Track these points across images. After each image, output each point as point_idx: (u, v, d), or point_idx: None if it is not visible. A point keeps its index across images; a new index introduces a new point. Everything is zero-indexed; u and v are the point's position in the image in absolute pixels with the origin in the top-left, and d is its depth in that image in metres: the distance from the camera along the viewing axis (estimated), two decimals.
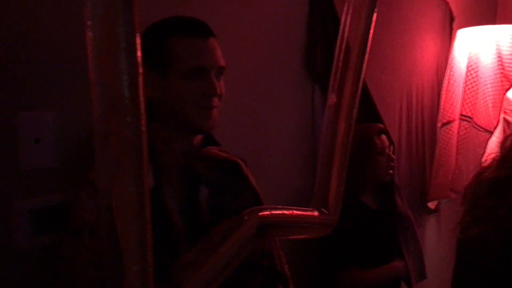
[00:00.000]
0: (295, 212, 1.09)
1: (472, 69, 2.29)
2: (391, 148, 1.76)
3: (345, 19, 1.09)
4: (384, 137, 1.73)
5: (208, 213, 0.93)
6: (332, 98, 1.17)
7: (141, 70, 0.63)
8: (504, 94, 2.23)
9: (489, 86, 2.26)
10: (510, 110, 2.46)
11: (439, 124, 2.45)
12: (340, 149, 1.19)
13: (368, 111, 1.83)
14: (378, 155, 1.68)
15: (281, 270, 0.96)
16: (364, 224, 1.66)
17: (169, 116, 0.96)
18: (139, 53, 0.62)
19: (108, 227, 0.65)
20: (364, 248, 1.64)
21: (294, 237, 1.15)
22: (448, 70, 2.37)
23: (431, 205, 2.57)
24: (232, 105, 1.34)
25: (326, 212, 1.18)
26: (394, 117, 2.18)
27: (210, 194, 0.94)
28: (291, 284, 1.02)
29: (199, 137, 0.99)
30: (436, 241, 2.77)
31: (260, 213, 0.94)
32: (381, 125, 1.76)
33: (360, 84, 1.19)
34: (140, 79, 0.63)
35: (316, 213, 1.17)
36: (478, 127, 2.32)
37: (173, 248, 0.86)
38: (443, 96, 2.39)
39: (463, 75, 2.32)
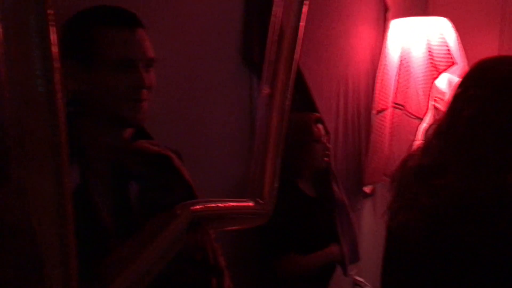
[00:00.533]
0: (230, 204, 1.09)
1: (404, 59, 2.39)
2: (327, 137, 1.81)
3: (276, 10, 1.09)
4: (320, 126, 1.78)
5: (139, 209, 0.91)
6: (265, 90, 1.18)
7: (57, 65, 0.60)
8: (433, 83, 2.35)
9: (419, 75, 2.37)
10: (438, 97, 2.60)
11: (373, 112, 2.54)
12: (274, 139, 1.20)
13: (305, 100, 1.86)
14: (314, 143, 1.73)
15: (215, 263, 0.97)
16: (302, 211, 1.70)
17: (97, 109, 0.93)
18: (54, 48, 0.59)
19: (27, 228, 0.63)
20: (302, 234, 1.68)
21: (230, 228, 1.16)
22: (382, 60, 2.45)
23: (367, 189, 2.68)
24: (167, 97, 1.32)
25: (261, 202, 1.20)
26: (331, 105, 2.23)
27: (141, 189, 0.93)
28: (227, 276, 1.03)
29: (129, 130, 0.97)
30: (372, 223, 2.90)
31: (193, 207, 0.94)
32: (318, 114, 1.81)
33: (293, 75, 1.21)
34: (57, 75, 0.60)
35: (251, 204, 1.18)
36: (409, 115, 2.43)
37: (102, 245, 0.84)
38: (377, 85, 2.47)
39: (396, 65, 2.41)
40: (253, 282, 1.75)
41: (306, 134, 1.72)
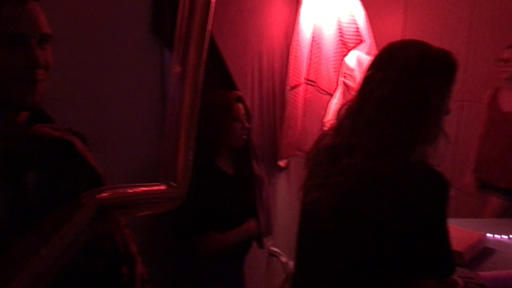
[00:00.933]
0: (141, 189, 1.05)
1: (316, 35, 2.43)
2: (247, 116, 1.80)
3: None
4: (241, 105, 1.76)
5: (38, 200, 0.84)
6: (176, 68, 1.13)
7: None
8: (342, 60, 2.43)
9: (330, 52, 2.43)
10: (348, 74, 2.70)
11: (287, 88, 2.58)
12: (186, 120, 1.17)
13: (224, 78, 1.83)
14: (234, 122, 1.71)
15: (125, 252, 0.92)
16: (220, 189, 1.69)
17: None
18: None
19: None
20: (221, 212, 1.68)
21: (142, 214, 1.11)
22: (295, 36, 2.48)
23: (282, 163, 2.74)
24: (70, 75, 1.22)
25: (174, 185, 1.17)
26: (247, 81, 2.22)
27: (39, 178, 0.85)
28: (139, 263, 0.99)
29: (24, 114, 0.88)
30: (286, 195, 2.99)
31: (99, 195, 0.88)
32: (239, 93, 1.79)
33: (205, 53, 1.17)
34: None
35: (164, 187, 1.14)
36: (321, 91, 2.50)
37: None
38: (291, 61, 2.51)
39: (309, 42, 2.45)
40: (169, 264, 1.73)
41: (227, 112, 1.69)
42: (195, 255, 1.68)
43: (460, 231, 2.06)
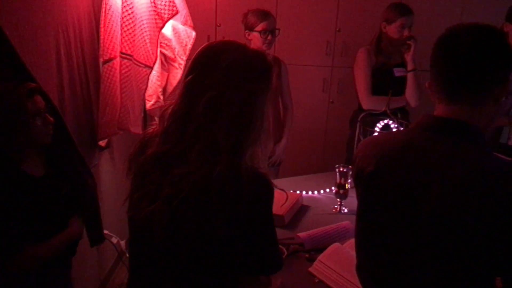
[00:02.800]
0: None
1: (127, 5, 2.26)
2: (49, 107, 1.58)
3: None
4: (38, 97, 1.52)
5: None
6: None
7: None
8: (159, 31, 2.32)
9: (144, 23, 2.30)
10: (165, 44, 2.61)
11: (101, 60, 2.37)
12: None
13: (12, 67, 1.54)
14: (31, 118, 1.48)
15: None
16: (26, 196, 1.47)
17: None
18: None
19: None
20: (32, 222, 1.48)
21: None
22: (103, 7, 2.26)
23: (102, 143, 2.57)
24: None
25: None
26: (51, 59, 1.96)
27: None
28: None
29: None
30: (111, 174, 2.84)
31: None
32: (33, 84, 1.53)
33: None
34: None
35: None
36: (139, 64, 2.37)
37: None
38: (101, 33, 2.29)
39: (119, 13, 2.27)
40: None
41: (18, 110, 1.44)
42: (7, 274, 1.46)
43: (281, 194, 2.25)
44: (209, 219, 1.00)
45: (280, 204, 2.03)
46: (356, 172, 1.24)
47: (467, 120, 1.06)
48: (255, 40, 2.63)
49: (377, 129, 2.28)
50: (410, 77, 2.70)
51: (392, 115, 2.29)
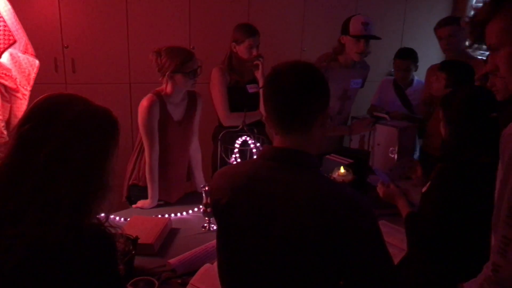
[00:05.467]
0: None
1: None
2: None
3: None
4: None
5: None
6: None
7: None
8: None
9: None
10: (5, 74, 2.40)
11: None
12: None
13: None
14: None
15: None
16: None
17: None
18: None
19: None
20: None
21: None
22: None
23: None
24: None
25: None
26: None
27: None
28: None
29: None
30: None
31: None
32: None
33: None
34: None
35: None
36: None
37: None
38: None
39: None
40: None
41: None
42: None
43: (149, 220, 2.21)
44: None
45: (147, 231, 2.00)
46: (213, 203, 1.33)
47: (301, 148, 1.20)
48: None
49: (237, 145, 2.38)
50: (262, 92, 2.86)
51: (249, 131, 2.42)
